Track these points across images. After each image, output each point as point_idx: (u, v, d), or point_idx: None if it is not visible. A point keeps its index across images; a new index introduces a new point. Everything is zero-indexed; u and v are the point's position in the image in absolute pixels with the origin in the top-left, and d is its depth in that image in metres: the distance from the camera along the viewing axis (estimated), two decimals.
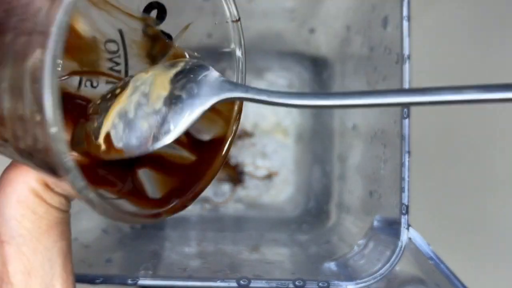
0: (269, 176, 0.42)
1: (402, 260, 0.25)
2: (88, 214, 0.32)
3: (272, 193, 0.42)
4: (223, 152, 0.20)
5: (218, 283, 0.25)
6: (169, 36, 0.21)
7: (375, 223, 0.28)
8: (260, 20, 0.38)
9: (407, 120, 0.25)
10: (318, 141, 0.42)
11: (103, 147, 0.18)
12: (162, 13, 0.21)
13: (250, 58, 0.42)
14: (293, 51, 0.42)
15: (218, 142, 0.21)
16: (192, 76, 0.19)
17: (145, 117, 0.18)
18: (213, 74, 0.19)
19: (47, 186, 0.18)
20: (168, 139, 0.18)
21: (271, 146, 0.42)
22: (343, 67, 0.38)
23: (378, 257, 0.26)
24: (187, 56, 0.21)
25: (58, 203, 0.18)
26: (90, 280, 0.25)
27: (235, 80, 0.21)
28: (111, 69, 0.20)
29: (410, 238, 0.25)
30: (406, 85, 0.25)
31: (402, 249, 0.25)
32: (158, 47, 0.21)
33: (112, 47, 0.20)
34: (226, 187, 0.42)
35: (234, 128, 0.21)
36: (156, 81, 0.18)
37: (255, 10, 0.37)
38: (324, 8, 0.36)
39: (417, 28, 0.26)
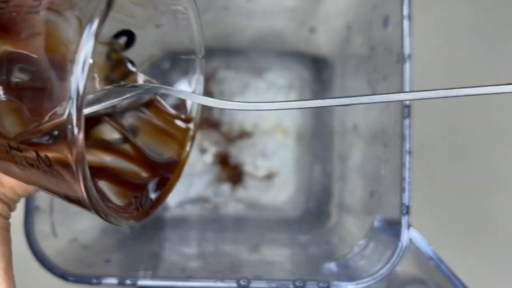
0: (269, 176, 0.42)
1: (403, 260, 0.25)
2: (88, 215, 0.32)
3: (272, 193, 0.42)
4: (176, 174, 0.21)
5: (218, 284, 0.25)
6: (132, 63, 0.22)
7: (376, 224, 0.28)
8: (260, 19, 0.38)
9: (407, 120, 0.25)
10: (318, 141, 0.42)
11: None
12: (130, 41, 0.22)
13: (250, 57, 0.42)
14: (293, 51, 0.42)
15: (172, 163, 0.22)
16: None
17: None
18: None
19: None
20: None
21: (271, 146, 0.42)
22: (343, 67, 0.38)
23: (379, 257, 0.25)
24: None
25: (1, 209, 0.19)
26: (89, 281, 0.25)
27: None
28: None
29: (410, 239, 0.25)
30: (407, 85, 0.25)
31: (403, 249, 0.24)
32: (118, 72, 0.22)
33: None
34: (226, 187, 0.42)
35: (187, 150, 0.22)
36: None
37: (255, 10, 0.37)
38: (324, 7, 0.36)
39: (418, 27, 0.26)
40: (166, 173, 0.21)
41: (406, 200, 0.25)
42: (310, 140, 0.42)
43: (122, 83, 0.22)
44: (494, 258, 0.39)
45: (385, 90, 0.29)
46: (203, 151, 0.42)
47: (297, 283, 0.25)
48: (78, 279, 0.25)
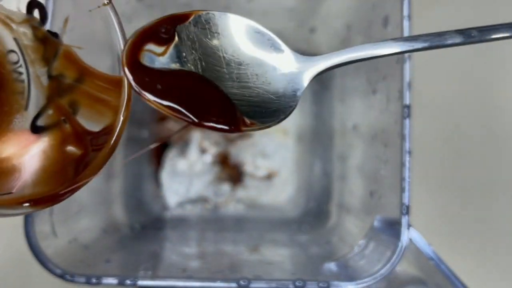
0: (269, 176, 0.42)
1: (403, 260, 0.25)
2: (88, 214, 0.32)
3: (272, 193, 0.42)
4: (111, 142, 0.20)
5: (218, 284, 0.25)
6: (56, 35, 0.21)
7: (376, 224, 0.28)
8: (260, 19, 0.38)
9: (407, 120, 0.25)
10: (318, 141, 0.42)
11: None
12: (43, 13, 0.21)
13: None
14: (293, 51, 0.42)
15: (108, 133, 0.21)
16: None
17: None
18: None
19: None
20: None
21: (271, 146, 0.42)
22: (343, 67, 0.38)
23: (379, 257, 0.25)
24: (74, 51, 0.21)
25: None
26: (89, 281, 0.24)
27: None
28: (16, 80, 0.20)
29: (410, 239, 0.25)
30: (407, 85, 0.25)
31: (403, 249, 0.24)
32: (49, 48, 0.21)
33: (14, 57, 0.21)
34: (226, 187, 0.42)
35: (122, 116, 0.21)
36: None
37: (255, 10, 0.37)
38: (324, 7, 0.36)
39: (418, 27, 0.26)
40: (100, 146, 0.20)
41: (406, 200, 0.25)
42: (310, 140, 0.42)
43: (55, 60, 0.21)
44: (494, 258, 0.39)
45: (385, 89, 0.29)
46: (203, 151, 0.42)
47: (297, 283, 0.25)
48: (78, 279, 0.25)
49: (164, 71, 0.20)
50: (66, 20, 0.21)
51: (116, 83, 0.21)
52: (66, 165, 0.20)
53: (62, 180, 0.20)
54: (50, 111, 0.20)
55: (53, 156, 0.20)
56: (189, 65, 0.20)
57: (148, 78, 0.20)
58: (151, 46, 0.20)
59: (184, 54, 0.20)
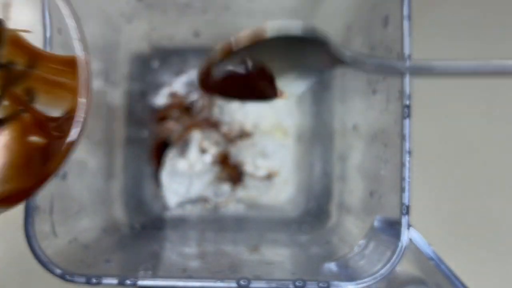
0: (269, 176, 0.42)
1: (403, 260, 0.25)
2: (88, 214, 0.32)
3: (272, 193, 0.42)
4: (76, 125, 0.19)
5: (218, 284, 0.25)
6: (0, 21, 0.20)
7: (376, 224, 0.28)
8: (260, 19, 0.38)
9: (407, 120, 0.25)
10: (318, 141, 0.42)
11: None
12: None
13: None
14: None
15: (71, 117, 0.19)
16: None
17: None
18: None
19: None
20: None
21: (271, 146, 0.42)
22: (344, 67, 0.38)
23: (379, 257, 0.25)
24: (23, 36, 0.20)
25: None
26: (89, 281, 0.24)
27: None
28: None
29: (410, 239, 0.25)
30: (406, 85, 0.25)
31: (403, 249, 0.24)
32: None
33: None
34: (226, 187, 0.42)
35: (83, 96, 0.20)
36: None
37: (255, 10, 0.37)
38: (324, 7, 0.36)
39: (418, 27, 0.26)
40: (65, 131, 0.19)
41: (406, 200, 0.25)
42: (310, 140, 0.42)
43: (2, 48, 0.19)
44: (494, 258, 0.39)
45: (385, 90, 0.29)
46: (203, 151, 0.42)
47: (297, 283, 0.25)
48: (78, 279, 0.25)
49: (227, 76, 0.24)
50: (8, 5, 0.20)
51: (70, 63, 0.20)
52: (31, 157, 0.19)
53: (30, 173, 0.19)
54: (5, 102, 0.19)
55: (17, 149, 0.19)
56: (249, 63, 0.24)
57: (215, 85, 0.24)
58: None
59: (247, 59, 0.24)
